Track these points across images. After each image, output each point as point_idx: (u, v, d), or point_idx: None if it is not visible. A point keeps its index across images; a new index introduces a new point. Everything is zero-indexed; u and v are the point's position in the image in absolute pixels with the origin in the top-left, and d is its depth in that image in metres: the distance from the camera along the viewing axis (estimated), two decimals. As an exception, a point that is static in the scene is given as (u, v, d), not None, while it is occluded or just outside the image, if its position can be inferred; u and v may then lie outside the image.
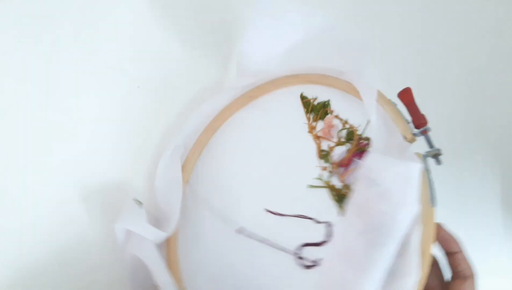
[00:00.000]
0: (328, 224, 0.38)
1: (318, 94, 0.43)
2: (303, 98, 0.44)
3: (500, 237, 0.49)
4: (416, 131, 0.35)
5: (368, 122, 0.38)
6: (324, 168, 0.40)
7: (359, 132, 0.39)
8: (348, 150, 0.39)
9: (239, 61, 0.47)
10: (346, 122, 0.40)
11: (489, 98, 0.51)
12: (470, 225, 0.49)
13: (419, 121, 0.34)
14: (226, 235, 0.48)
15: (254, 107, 0.48)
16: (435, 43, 0.51)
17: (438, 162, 0.33)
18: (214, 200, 0.49)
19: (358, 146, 0.38)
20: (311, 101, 0.43)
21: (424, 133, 0.34)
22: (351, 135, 0.39)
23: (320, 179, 0.40)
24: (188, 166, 0.51)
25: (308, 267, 0.39)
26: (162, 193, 0.50)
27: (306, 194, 0.41)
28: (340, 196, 0.38)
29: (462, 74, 0.51)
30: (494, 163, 0.50)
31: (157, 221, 0.50)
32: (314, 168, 0.41)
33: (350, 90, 0.39)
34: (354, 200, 0.36)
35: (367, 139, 0.38)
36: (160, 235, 0.45)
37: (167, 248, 0.52)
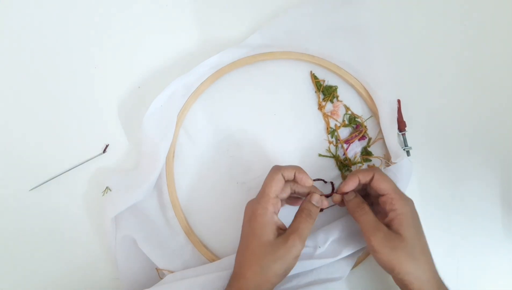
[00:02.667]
0: (332, 183, 0.50)
1: (325, 77, 0.52)
2: (315, 77, 0.51)
3: (500, 237, 0.49)
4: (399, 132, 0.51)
5: (371, 117, 0.51)
6: (331, 142, 0.51)
7: (358, 120, 0.51)
8: (351, 132, 0.51)
9: (269, 28, 0.50)
10: (349, 108, 0.52)
11: (489, 98, 0.51)
12: (470, 225, 0.49)
13: (401, 126, 0.51)
14: (226, 182, 0.49)
15: (260, 67, 0.51)
16: (435, 45, 0.51)
17: (408, 154, 0.51)
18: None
19: (359, 130, 0.51)
20: (321, 82, 0.51)
21: (403, 135, 0.51)
22: (353, 120, 0.51)
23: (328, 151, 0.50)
24: (185, 110, 0.50)
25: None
26: (152, 132, 0.48)
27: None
28: (343, 165, 0.50)
29: (462, 75, 0.51)
30: (494, 163, 0.50)
31: (139, 165, 0.49)
32: (309, 137, 0.50)
33: (357, 86, 0.51)
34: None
35: (365, 126, 0.51)
36: (146, 187, 0.46)
37: (169, 192, 0.48)
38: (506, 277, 0.49)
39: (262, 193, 0.41)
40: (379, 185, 0.41)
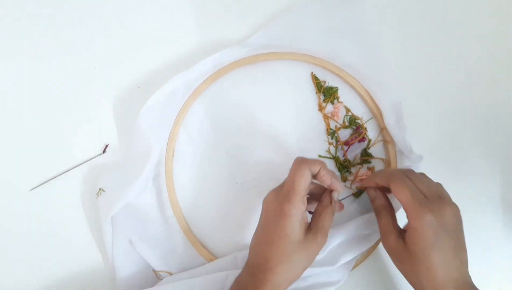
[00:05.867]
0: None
1: (326, 78, 0.52)
2: (316, 78, 0.51)
3: (500, 237, 0.49)
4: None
5: (371, 118, 0.51)
6: (330, 143, 0.51)
7: (358, 121, 0.51)
8: (351, 133, 0.51)
9: (270, 28, 0.50)
10: (349, 110, 0.52)
11: (489, 98, 0.51)
12: (470, 225, 0.46)
13: (401, 127, 0.51)
14: (226, 182, 0.49)
15: (260, 68, 0.51)
16: (435, 43, 0.51)
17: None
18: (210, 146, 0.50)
19: (359, 132, 0.51)
20: (322, 83, 0.51)
21: (403, 136, 0.51)
22: (353, 122, 0.51)
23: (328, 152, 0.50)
24: (185, 109, 0.50)
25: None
26: (146, 128, 0.48)
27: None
28: (342, 166, 0.50)
29: (462, 74, 0.51)
30: (494, 163, 0.50)
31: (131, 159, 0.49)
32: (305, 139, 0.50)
33: (358, 88, 0.51)
34: None
35: (365, 128, 0.51)
36: (138, 184, 0.46)
37: (168, 190, 0.48)
38: (506, 277, 0.50)
39: (292, 190, 0.39)
40: (396, 195, 0.40)
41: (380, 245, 0.49)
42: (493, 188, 0.50)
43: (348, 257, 0.45)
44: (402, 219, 0.42)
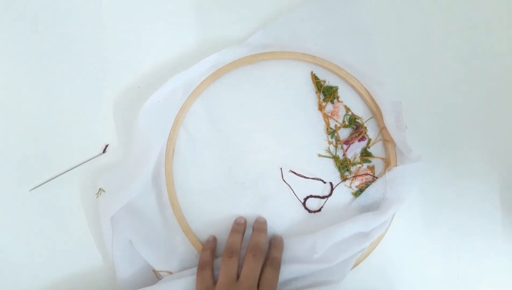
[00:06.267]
0: (331, 184, 0.50)
1: (325, 77, 0.52)
2: (315, 78, 0.51)
3: (499, 237, 0.49)
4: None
5: (371, 118, 0.51)
6: (330, 143, 0.51)
7: (358, 121, 0.51)
8: (351, 133, 0.51)
9: (270, 28, 0.50)
10: (349, 109, 0.52)
11: (488, 97, 0.51)
12: (469, 226, 0.49)
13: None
14: (226, 182, 0.49)
15: (260, 67, 0.51)
16: (435, 42, 0.51)
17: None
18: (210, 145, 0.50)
19: (359, 131, 0.51)
20: (322, 83, 0.51)
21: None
22: (353, 121, 0.51)
23: (328, 151, 0.50)
24: (185, 109, 0.50)
25: (311, 212, 0.49)
26: (146, 127, 0.48)
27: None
28: (342, 166, 0.50)
29: (462, 74, 0.51)
30: (493, 162, 0.50)
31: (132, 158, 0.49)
32: (307, 139, 0.50)
33: (358, 87, 0.51)
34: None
35: (365, 127, 0.51)
36: (138, 184, 0.46)
37: (168, 190, 0.48)
38: (506, 277, 0.50)
39: None
40: None
41: (380, 245, 0.49)
42: (492, 188, 0.50)
43: (346, 255, 0.45)
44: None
